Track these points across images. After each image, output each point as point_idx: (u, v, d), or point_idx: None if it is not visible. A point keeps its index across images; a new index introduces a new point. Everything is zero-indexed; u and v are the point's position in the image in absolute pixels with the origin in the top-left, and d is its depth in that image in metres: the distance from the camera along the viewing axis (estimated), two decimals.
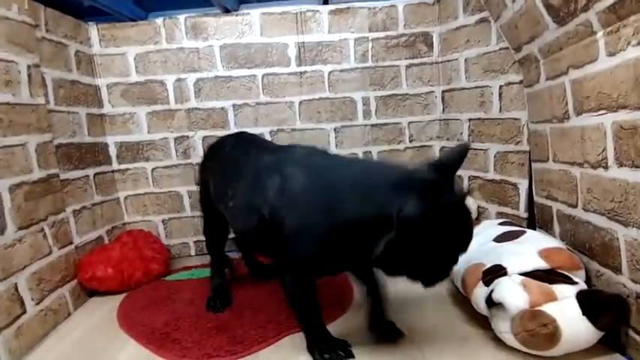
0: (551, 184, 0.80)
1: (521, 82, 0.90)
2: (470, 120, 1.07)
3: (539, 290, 0.59)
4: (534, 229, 0.87)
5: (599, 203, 0.65)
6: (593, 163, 0.66)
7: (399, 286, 0.65)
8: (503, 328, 0.61)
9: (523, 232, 0.75)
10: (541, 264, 0.63)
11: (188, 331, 0.75)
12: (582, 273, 0.65)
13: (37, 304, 0.77)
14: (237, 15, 1.08)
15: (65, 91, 0.93)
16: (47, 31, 0.88)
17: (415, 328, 0.71)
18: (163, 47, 1.08)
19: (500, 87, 0.97)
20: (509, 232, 0.77)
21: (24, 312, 0.73)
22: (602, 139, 0.63)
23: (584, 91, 0.67)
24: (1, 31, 0.73)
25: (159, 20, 1.07)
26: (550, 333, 0.55)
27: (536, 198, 0.88)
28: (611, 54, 0.60)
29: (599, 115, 0.64)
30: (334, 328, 0.73)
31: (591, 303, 0.56)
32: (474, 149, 1.07)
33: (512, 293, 0.59)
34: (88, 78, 1.04)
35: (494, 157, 1.02)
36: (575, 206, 0.72)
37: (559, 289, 0.59)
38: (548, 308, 0.57)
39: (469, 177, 1.10)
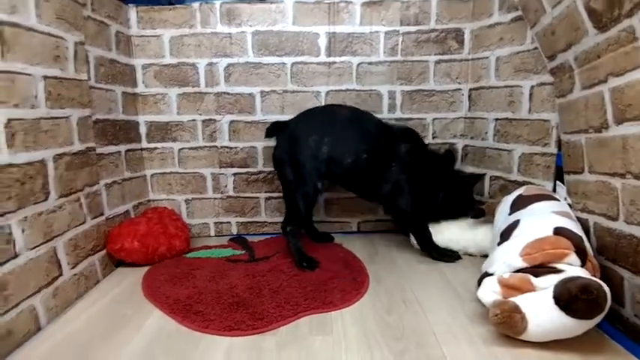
0: (587, 197, 0.78)
1: (554, 82, 0.89)
2: (496, 120, 1.07)
3: (516, 284, 0.64)
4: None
5: None
6: (636, 173, 0.64)
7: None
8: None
9: (516, 225, 0.75)
10: (521, 265, 0.66)
11: (210, 305, 0.78)
12: (571, 258, 0.64)
13: (72, 268, 0.81)
14: (271, 3, 1.10)
15: (105, 69, 0.97)
16: (92, 10, 0.92)
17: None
18: (198, 31, 1.11)
19: (532, 87, 0.96)
20: (508, 227, 0.77)
21: (60, 274, 0.78)
22: None
23: (626, 99, 0.65)
24: (53, 7, 0.76)
25: (195, 5, 1.10)
26: (510, 319, 0.61)
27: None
28: None
29: None
30: (352, 310, 0.76)
31: (563, 293, 0.58)
32: (499, 149, 1.06)
33: (486, 289, 0.67)
34: (125, 58, 1.08)
35: (519, 158, 1.01)
36: (615, 219, 0.70)
37: (539, 281, 0.63)
38: (517, 299, 0.62)
39: (491, 177, 1.10)
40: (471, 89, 1.13)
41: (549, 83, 0.90)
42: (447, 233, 1.01)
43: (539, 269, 0.64)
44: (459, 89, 1.14)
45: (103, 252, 0.94)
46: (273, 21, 1.11)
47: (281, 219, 1.21)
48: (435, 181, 1.01)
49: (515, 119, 1.01)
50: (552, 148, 0.92)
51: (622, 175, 0.68)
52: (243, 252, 1.08)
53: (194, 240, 1.18)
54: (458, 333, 0.68)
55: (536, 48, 0.92)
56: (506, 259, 0.68)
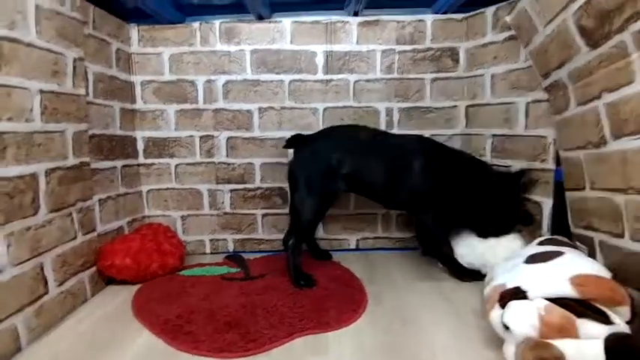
0: (590, 214, 0.76)
1: (549, 99, 0.89)
2: (494, 136, 1.07)
3: (559, 322, 0.54)
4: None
5: None
6: (639, 188, 0.63)
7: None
8: (508, 352, 0.58)
9: (559, 254, 0.67)
10: (569, 292, 0.56)
11: (201, 325, 0.75)
12: (625, 310, 0.56)
13: (59, 285, 0.79)
14: (269, 22, 1.12)
15: (104, 85, 0.98)
16: (94, 28, 0.94)
17: (431, 342, 0.69)
18: (197, 49, 1.13)
19: (527, 104, 0.96)
20: (544, 252, 0.69)
21: (46, 292, 0.75)
22: None
23: (622, 114, 0.65)
24: (54, 25, 0.78)
25: (195, 24, 1.12)
26: None
27: (573, 229, 0.83)
28: None
29: None
30: (349, 331, 0.72)
31: (621, 352, 0.50)
32: (497, 165, 1.05)
33: (522, 318, 0.56)
34: (124, 74, 1.09)
35: None
36: (621, 236, 0.67)
37: (586, 326, 0.53)
38: (560, 343, 0.53)
39: None
40: (467, 106, 1.14)
41: (544, 100, 0.91)
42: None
43: (585, 310, 0.55)
44: (456, 106, 1.15)
45: (93, 269, 0.91)
46: (271, 40, 1.13)
47: (278, 236, 1.19)
48: (470, 189, 0.93)
49: (512, 135, 1.01)
50: (550, 164, 0.91)
51: (624, 191, 0.67)
52: (239, 270, 1.05)
53: (189, 257, 1.16)
54: (458, 356, 0.64)
55: (530, 66, 0.94)
56: (550, 281, 0.59)
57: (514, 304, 0.58)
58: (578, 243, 0.80)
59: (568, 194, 0.84)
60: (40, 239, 0.74)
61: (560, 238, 0.80)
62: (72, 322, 0.78)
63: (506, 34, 1.00)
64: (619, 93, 0.65)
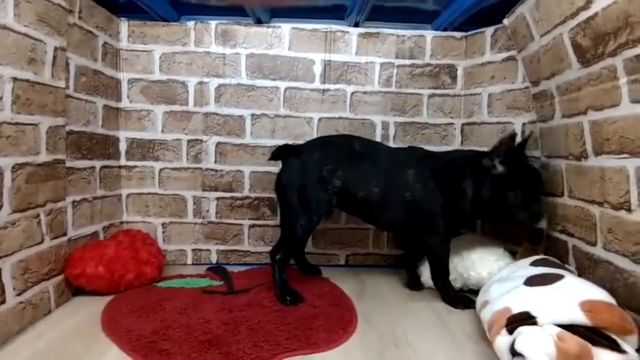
0: (567, 220, 0.80)
1: (535, 107, 0.91)
2: None
3: (576, 350, 0.50)
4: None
5: (622, 245, 0.63)
6: (614, 204, 0.65)
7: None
8: None
9: (560, 277, 0.65)
10: (581, 319, 0.53)
11: (177, 343, 0.69)
12: (634, 339, 0.55)
13: (18, 295, 0.71)
14: (267, 27, 1.10)
15: (86, 79, 0.92)
16: (80, 18, 0.88)
17: None
18: (190, 50, 1.09)
19: (524, 124, 0.97)
20: (543, 274, 0.67)
21: (3, 302, 0.67)
22: (624, 182, 0.63)
23: (605, 133, 0.67)
24: (35, 9, 0.72)
25: (190, 23, 1.08)
26: None
27: (548, 231, 0.87)
28: (635, 101, 0.60)
29: (620, 158, 0.63)
30: (338, 352, 0.67)
31: None
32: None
33: (537, 345, 0.52)
34: (111, 70, 1.03)
35: None
36: (594, 244, 0.71)
37: (601, 355, 0.51)
38: None
39: None
40: (463, 124, 1.14)
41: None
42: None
43: (599, 338, 0.53)
44: (452, 123, 1.15)
45: (60, 277, 0.83)
46: (269, 45, 1.10)
47: (265, 248, 1.14)
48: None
49: None
50: None
51: (600, 204, 0.69)
52: (222, 283, 0.98)
53: (168, 268, 1.08)
54: None
55: (527, 87, 0.94)
56: (560, 306, 0.56)
57: (527, 331, 0.55)
58: (567, 265, 0.80)
59: (545, 198, 0.86)
60: (0, 242, 0.66)
61: (552, 258, 0.80)
62: (29, 337, 0.70)
63: (505, 54, 1.01)
64: (604, 113, 0.67)
